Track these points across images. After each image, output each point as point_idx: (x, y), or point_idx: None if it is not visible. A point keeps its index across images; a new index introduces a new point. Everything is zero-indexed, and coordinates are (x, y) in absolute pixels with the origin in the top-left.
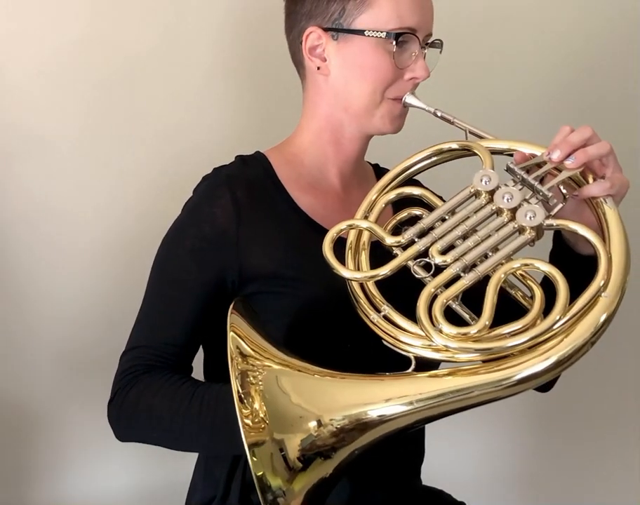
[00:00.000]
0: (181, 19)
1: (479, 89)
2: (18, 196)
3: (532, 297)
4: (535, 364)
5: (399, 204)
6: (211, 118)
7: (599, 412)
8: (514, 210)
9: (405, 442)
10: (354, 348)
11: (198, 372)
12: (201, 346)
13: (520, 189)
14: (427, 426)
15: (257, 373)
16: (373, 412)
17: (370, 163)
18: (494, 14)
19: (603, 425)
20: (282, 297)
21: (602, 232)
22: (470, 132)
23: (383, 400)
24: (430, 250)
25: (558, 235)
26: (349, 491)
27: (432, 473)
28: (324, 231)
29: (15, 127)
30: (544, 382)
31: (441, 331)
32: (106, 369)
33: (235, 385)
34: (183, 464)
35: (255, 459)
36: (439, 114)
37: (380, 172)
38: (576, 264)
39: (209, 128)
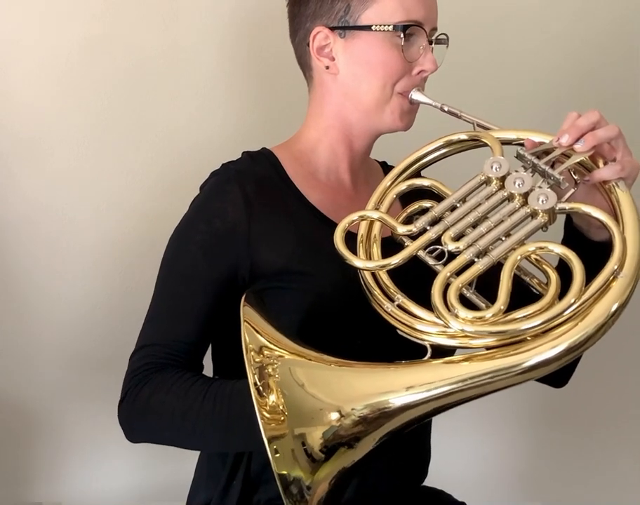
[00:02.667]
0: (184, 19)
1: (483, 87)
2: (19, 196)
3: (547, 282)
4: (547, 349)
5: (407, 199)
6: (214, 119)
7: (601, 412)
8: (525, 195)
9: (412, 444)
10: (364, 344)
11: (207, 367)
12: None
13: (531, 175)
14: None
15: (273, 365)
16: (395, 400)
17: (377, 161)
18: (498, 11)
19: (605, 425)
20: (292, 292)
21: (615, 216)
22: (478, 125)
23: (404, 387)
24: (443, 237)
25: (570, 223)
26: (355, 488)
27: (433, 473)
28: (334, 225)
29: (16, 128)
30: (557, 369)
31: (456, 316)
32: (106, 370)
33: (252, 377)
34: (184, 464)
35: (277, 455)
36: (446, 109)
37: (388, 169)
38: (589, 251)
39: (211, 129)
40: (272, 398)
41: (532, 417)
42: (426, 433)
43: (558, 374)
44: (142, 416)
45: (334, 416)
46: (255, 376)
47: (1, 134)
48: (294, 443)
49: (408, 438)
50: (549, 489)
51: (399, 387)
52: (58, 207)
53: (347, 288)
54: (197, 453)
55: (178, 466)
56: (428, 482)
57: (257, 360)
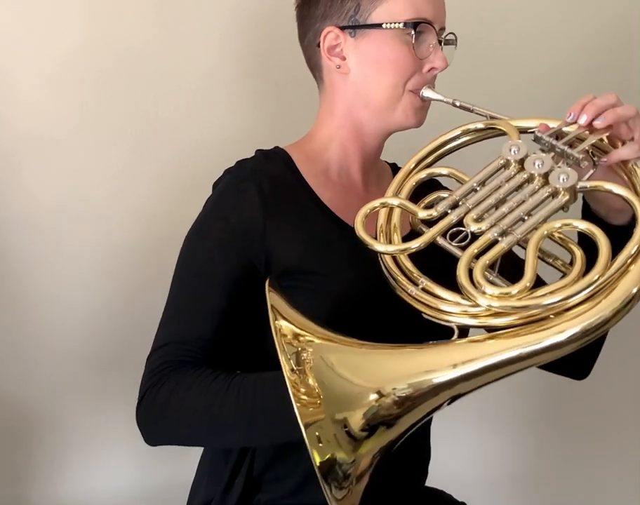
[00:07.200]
0: (186, 16)
1: (481, 85)
2: (19, 196)
3: (572, 260)
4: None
5: (418, 195)
6: (215, 118)
7: (601, 413)
8: (545, 175)
9: (412, 444)
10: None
11: None
12: None
13: (551, 156)
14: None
15: (305, 351)
16: (439, 379)
17: (387, 163)
18: (502, 7)
19: (605, 425)
20: (305, 292)
21: (637, 196)
22: (491, 118)
23: (450, 365)
24: (465, 219)
25: (587, 210)
26: None
27: (433, 473)
28: (347, 227)
29: (16, 126)
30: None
31: (484, 292)
32: (107, 370)
33: (285, 362)
34: (184, 465)
35: (317, 442)
36: (458, 104)
37: (397, 171)
38: (609, 236)
39: (212, 128)
40: (306, 384)
41: (532, 418)
42: (426, 432)
43: (579, 365)
44: (162, 415)
45: (373, 397)
46: (291, 360)
47: (2, 134)
48: (334, 427)
49: (408, 438)
50: (549, 489)
51: (444, 365)
52: (59, 206)
53: (360, 287)
54: (198, 452)
55: (178, 466)
56: (428, 482)
57: (287, 346)
